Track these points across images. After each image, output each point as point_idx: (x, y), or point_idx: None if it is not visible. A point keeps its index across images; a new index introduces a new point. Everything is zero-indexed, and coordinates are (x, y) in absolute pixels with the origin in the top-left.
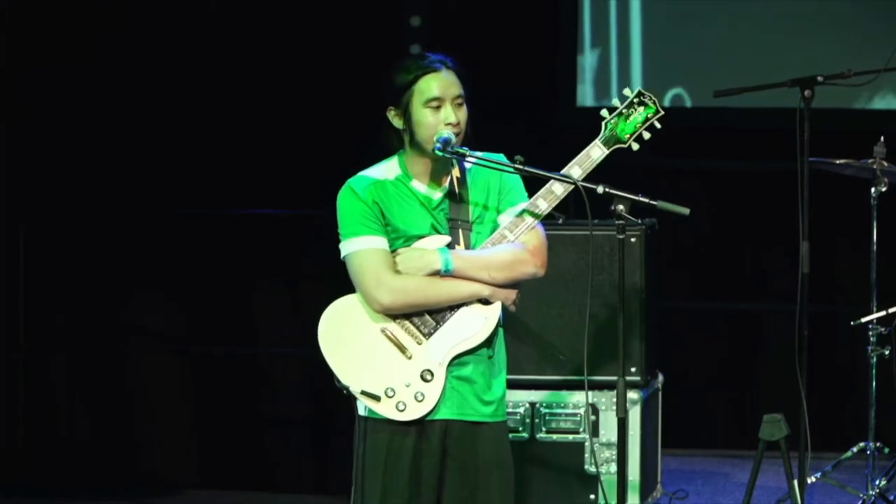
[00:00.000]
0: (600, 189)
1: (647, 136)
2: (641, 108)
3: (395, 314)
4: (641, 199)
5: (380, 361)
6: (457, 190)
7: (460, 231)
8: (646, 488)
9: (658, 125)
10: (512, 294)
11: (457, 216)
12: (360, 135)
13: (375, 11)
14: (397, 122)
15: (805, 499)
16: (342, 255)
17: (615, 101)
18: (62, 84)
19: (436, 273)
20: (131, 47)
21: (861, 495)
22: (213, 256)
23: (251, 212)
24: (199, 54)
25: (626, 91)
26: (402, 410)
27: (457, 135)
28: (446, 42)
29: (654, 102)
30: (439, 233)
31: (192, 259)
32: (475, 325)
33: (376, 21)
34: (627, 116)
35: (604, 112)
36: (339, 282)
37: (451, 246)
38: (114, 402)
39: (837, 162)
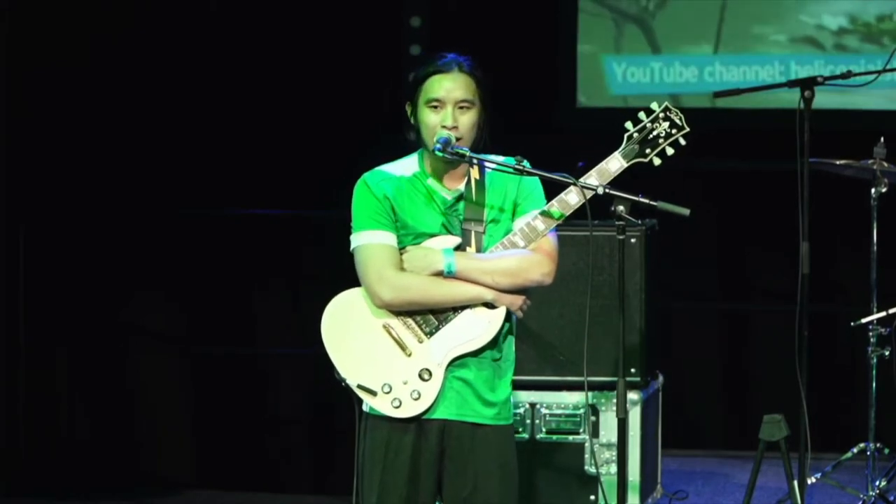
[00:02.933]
0: (601, 190)
1: (670, 151)
2: (666, 124)
3: (399, 311)
4: (642, 199)
5: (379, 357)
6: (473, 192)
7: (473, 233)
8: (646, 489)
9: (683, 142)
10: (518, 300)
11: (471, 218)
12: (361, 135)
13: (375, 12)
14: (412, 118)
15: (805, 499)
16: (351, 247)
17: (640, 114)
18: (62, 84)
19: (439, 273)
20: (131, 47)
21: (861, 496)
22: (213, 256)
23: (251, 212)
24: (199, 54)
25: (654, 105)
26: (397, 407)
27: (458, 139)
28: (446, 42)
29: (680, 118)
30: (450, 233)
31: (192, 259)
32: (477, 327)
33: (376, 21)
34: (651, 130)
35: (628, 124)
36: (340, 282)
37: (461, 248)
38: (114, 402)
39: (837, 163)
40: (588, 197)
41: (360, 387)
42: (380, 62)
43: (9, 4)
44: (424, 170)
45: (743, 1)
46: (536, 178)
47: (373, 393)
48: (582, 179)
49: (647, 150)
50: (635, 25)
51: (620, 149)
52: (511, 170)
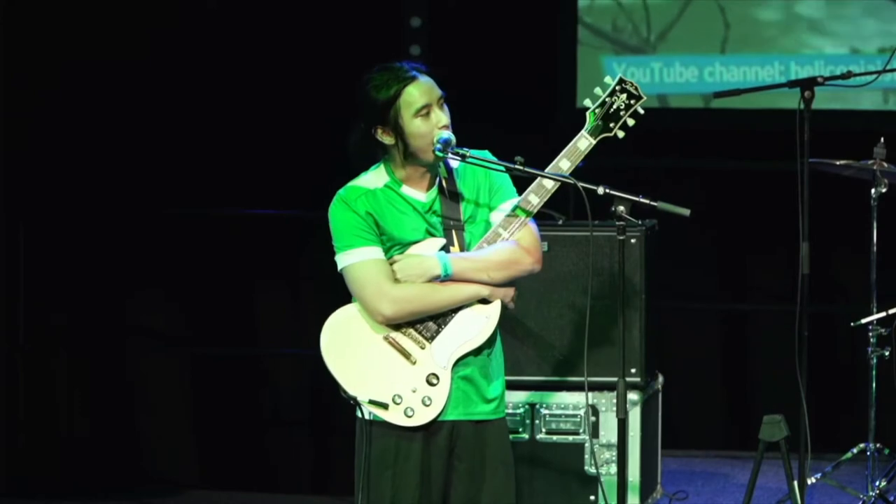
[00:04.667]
0: (601, 190)
1: (631, 122)
2: (623, 96)
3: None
4: (641, 199)
5: (385, 369)
6: (447, 191)
7: (454, 232)
8: (646, 489)
9: (641, 111)
10: (510, 292)
11: (449, 217)
12: None
13: (375, 11)
14: (387, 140)
15: (805, 500)
16: (339, 267)
17: (597, 90)
18: (62, 83)
19: (435, 278)
20: (132, 46)
21: (861, 496)
22: (213, 256)
23: (251, 212)
24: (199, 54)
25: (607, 79)
26: (410, 416)
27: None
28: (446, 42)
29: (636, 88)
30: (434, 236)
31: (192, 259)
32: (477, 325)
33: (376, 21)
34: (611, 105)
35: (587, 102)
36: (340, 282)
37: (445, 248)
38: (114, 402)
39: (837, 163)
40: (559, 183)
41: (371, 402)
42: (380, 62)
43: (7, 4)
44: (396, 179)
45: (745, 34)
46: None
47: (384, 406)
48: (552, 163)
49: (611, 125)
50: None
51: (585, 127)
52: (502, 167)
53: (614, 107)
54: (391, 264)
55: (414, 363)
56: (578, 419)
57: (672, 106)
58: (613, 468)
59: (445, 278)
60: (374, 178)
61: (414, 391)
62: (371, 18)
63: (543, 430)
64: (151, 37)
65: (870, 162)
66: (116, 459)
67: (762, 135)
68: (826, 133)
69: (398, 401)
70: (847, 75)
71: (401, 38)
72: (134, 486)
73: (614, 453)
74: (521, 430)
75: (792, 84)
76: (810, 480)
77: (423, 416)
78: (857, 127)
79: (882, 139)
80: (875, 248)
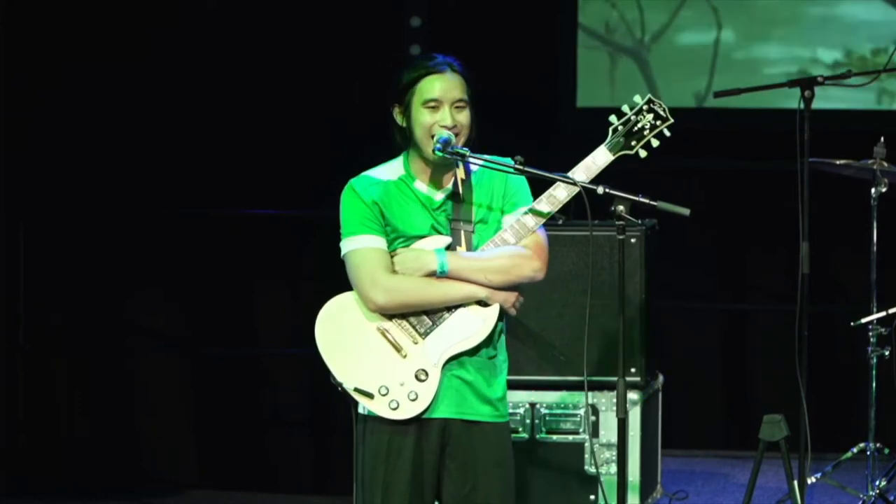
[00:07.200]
0: (600, 190)
1: (655, 143)
2: (650, 116)
3: (393, 313)
4: (641, 199)
5: (375, 359)
6: (460, 191)
7: (462, 232)
8: (646, 489)
9: (667, 133)
10: (511, 297)
11: (459, 217)
12: (361, 135)
13: (375, 11)
14: (400, 120)
15: (805, 499)
16: (342, 253)
17: (624, 107)
18: (62, 83)
19: (431, 274)
20: (131, 45)
21: (861, 496)
22: (213, 256)
23: (251, 212)
24: (199, 53)
25: (637, 98)
26: (394, 409)
27: (456, 136)
28: (446, 42)
29: (664, 110)
30: (440, 233)
31: (192, 259)
32: (472, 326)
33: (376, 21)
34: (636, 123)
35: (612, 118)
36: (339, 282)
37: (451, 247)
38: (114, 402)
39: (837, 162)
40: (575, 192)
41: (356, 390)
42: (380, 62)
43: (8, 3)
44: (410, 172)
45: (737, 34)
46: (523, 176)
47: (370, 396)
48: (568, 174)
49: (633, 143)
50: (631, 59)
51: (606, 142)
52: (511, 170)
53: (639, 125)
54: (393, 257)
55: (405, 357)
56: (578, 419)
57: (681, 105)
58: (613, 468)
59: (441, 274)
60: (389, 170)
61: (401, 385)
62: (371, 18)
63: (543, 429)
64: (151, 37)
65: (870, 162)
66: (116, 459)
67: (762, 134)
68: (826, 133)
69: (384, 392)
70: (847, 75)
71: (401, 38)
72: (134, 486)
73: (614, 453)
74: (521, 429)
75: (792, 84)
76: (810, 480)
77: (407, 411)
78: (856, 127)
79: (882, 138)
80: (875, 248)
